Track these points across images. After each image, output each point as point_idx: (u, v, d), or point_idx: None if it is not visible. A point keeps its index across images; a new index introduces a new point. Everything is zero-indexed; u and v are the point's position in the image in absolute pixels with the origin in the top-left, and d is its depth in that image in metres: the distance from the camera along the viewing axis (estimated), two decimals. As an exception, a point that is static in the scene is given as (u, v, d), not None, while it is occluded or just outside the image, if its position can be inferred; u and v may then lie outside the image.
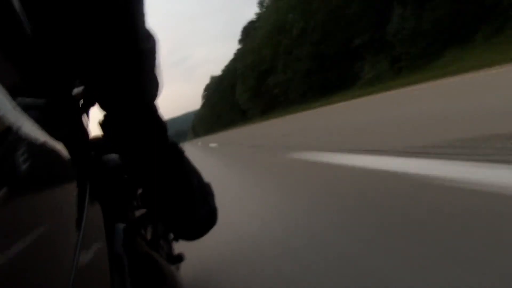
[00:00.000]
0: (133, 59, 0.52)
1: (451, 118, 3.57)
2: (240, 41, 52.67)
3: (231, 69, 51.30)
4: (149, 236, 0.85)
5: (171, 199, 0.69)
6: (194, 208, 0.73)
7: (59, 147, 0.35)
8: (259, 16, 43.11)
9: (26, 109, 0.30)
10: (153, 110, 0.64)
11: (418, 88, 12.11)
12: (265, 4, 42.40)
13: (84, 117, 0.61)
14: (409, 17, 17.29)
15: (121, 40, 0.49)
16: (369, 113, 7.66)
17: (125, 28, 0.49)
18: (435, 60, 16.33)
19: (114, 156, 0.68)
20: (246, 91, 41.78)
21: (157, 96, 0.63)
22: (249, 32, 45.57)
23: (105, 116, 0.59)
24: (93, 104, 0.61)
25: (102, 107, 0.58)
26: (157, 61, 0.61)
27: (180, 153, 0.71)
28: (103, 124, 0.59)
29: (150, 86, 0.61)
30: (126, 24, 0.49)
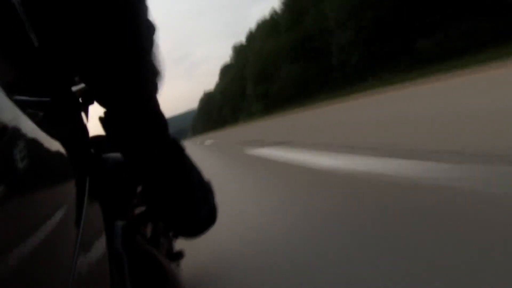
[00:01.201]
0: (133, 55, 0.52)
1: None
2: (219, 76, 77.14)
3: (212, 94, 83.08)
4: (149, 233, 0.85)
5: (171, 197, 0.69)
6: (194, 206, 0.72)
7: (58, 145, 0.35)
8: (232, 59, 62.86)
9: (25, 107, 0.30)
10: (154, 107, 0.63)
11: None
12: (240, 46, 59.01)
13: (83, 115, 0.61)
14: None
15: (121, 36, 0.49)
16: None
17: (126, 25, 0.49)
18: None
19: (114, 154, 0.68)
20: (215, 111, 74.39)
21: (158, 91, 0.63)
22: (224, 72, 67.73)
23: (105, 113, 0.58)
24: (92, 102, 0.60)
25: (103, 104, 0.57)
26: (158, 56, 0.60)
27: (181, 150, 0.71)
28: (103, 121, 0.59)
29: (151, 81, 0.60)
30: (126, 21, 0.48)
